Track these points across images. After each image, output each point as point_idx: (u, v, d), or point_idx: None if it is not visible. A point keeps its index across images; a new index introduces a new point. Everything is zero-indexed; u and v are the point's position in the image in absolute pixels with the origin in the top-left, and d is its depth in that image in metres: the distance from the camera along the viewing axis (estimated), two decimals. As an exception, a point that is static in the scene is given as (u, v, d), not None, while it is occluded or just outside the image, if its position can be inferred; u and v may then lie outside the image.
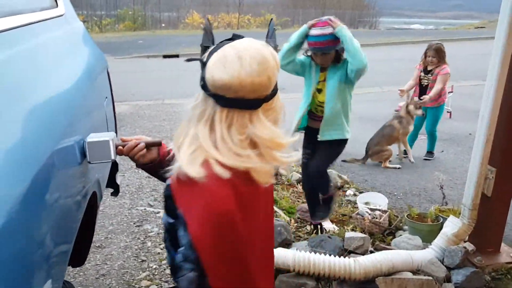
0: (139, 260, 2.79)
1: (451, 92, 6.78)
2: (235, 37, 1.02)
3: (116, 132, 2.19)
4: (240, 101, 0.98)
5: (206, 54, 1.02)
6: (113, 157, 1.26)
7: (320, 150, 2.90)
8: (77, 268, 2.64)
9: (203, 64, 1.01)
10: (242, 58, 0.96)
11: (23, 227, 0.85)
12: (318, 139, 2.84)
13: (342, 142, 2.91)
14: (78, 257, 1.60)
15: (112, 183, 2.18)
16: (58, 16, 1.65)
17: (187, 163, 0.98)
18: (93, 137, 1.26)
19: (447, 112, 6.73)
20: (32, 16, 1.33)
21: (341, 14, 38.19)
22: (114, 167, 2.16)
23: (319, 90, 2.87)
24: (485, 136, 2.44)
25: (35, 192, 0.92)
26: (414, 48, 16.59)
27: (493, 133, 2.42)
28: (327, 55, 2.75)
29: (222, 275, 1.02)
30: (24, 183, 0.86)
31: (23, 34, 1.20)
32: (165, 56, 13.99)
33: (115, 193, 2.24)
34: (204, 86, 1.01)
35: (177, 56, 13.96)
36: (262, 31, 27.54)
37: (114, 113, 2.18)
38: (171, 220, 1.02)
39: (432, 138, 4.76)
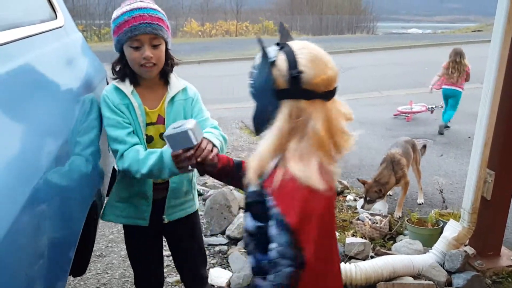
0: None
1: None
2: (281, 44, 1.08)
3: None
4: (329, 92, 1.06)
5: (275, 54, 1.05)
6: (194, 143, 1.33)
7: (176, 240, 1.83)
8: (78, 277, 2.63)
9: (270, 63, 1.03)
10: (327, 54, 1.07)
11: (24, 237, 0.86)
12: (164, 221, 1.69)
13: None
14: (79, 266, 1.60)
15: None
16: (57, 28, 1.67)
17: (306, 174, 1.01)
18: (170, 131, 1.33)
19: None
20: (31, 29, 1.35)
21: (339, 19, 38.46)
22: (114, 176, 2.17)
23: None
24: (484, 139, 2.45)
25: (35, 203, 0.93)
26: (412, 52, 16.73)
27: (491, 137, 2.43)
28: None
29: (319, 269, 1.07)
30: (25, 194, 0.87)
31: (23, 47, 1.22)
32: None
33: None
34: (287, 90, 1.03)
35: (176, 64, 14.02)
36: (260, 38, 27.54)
37: None
38: (260, 224, 1.09)
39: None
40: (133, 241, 1.76)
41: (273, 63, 1.03)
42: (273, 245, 1.05)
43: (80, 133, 1.35)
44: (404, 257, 2.55)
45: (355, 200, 3.78)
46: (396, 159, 3.41)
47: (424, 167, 4.09)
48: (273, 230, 1.05)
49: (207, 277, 1.93)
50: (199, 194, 3.96)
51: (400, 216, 3.39)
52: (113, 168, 2.19)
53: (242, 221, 3.03)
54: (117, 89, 1.53)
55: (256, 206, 1.10)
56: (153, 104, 1.58)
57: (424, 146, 4.14)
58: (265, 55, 1.05)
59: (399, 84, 10.01)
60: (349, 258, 2.63)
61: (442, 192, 3.27)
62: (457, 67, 5.87)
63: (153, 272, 1.83)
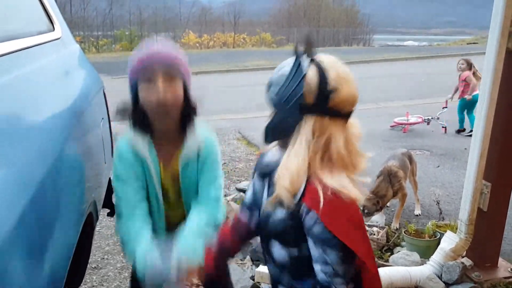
0: (136, 281, 2.76)
1: (445, 107, 6.85)
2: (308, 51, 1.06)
3: (112, 151, 2.20)
4: (351, 112, 1.08)
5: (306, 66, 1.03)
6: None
7: None
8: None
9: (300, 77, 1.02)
10: (351, 72, 1.07)
11: (19, 248, 0.85)
12: None
13: None
14: (74, 278, 1.59)
15: (108, 203, 2.18)
16: (55, 40, 1.68)
17: (345, 186, 1.02)
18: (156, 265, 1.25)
19: (442, 127, 6.78)
20: (29, 41, 1.35)
21: (335, 32, 38.81)
22: (110, 188, 2.16)
23: None
24: (480, 150, 2.46)
25: (30, 213, 0.92)
26: (408, 64, 16.86)
27: (487, 148, 2.44)
28: None
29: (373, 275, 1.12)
30: (20, 205, 0.87)
31: (20, 59, 1.23)
32: None
33: (111, 213, 2.24)
34: (314, 105, 1.02)
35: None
36: (257, 49, 27.90)
37: (111, 133, 2.20)
38: (295, 253, 1.11)
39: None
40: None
41: (304, 76, 1.02)
42: (318, 267, 1.05)
43: (76, 145, 1.35)
44: (401, 268, 2.54)
45: (352, 211, 3.77)
46: (393, 172, 3.41)
47: (421, 178, 4.10)
48: (317, 250, 1.04)
49: None
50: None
51: (398, 227, 3.38)
52: (109, 179, 2.18)
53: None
54: (131, 145, 1.41)
55: (288, 232, 1.09)
56: (169, 159, 1.47)
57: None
58: (298, 66, 1.03)
59: (396, 96, 10.08)
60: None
61: (439, 203, 3.28)
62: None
63: None
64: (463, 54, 19.16)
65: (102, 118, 1.91)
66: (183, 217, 1.50)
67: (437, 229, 3.01)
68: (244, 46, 30.64)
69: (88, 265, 2.42)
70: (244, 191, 4.13)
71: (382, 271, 2.47)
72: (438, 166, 5.02)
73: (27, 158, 0.97)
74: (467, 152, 2.60)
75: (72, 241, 1.22)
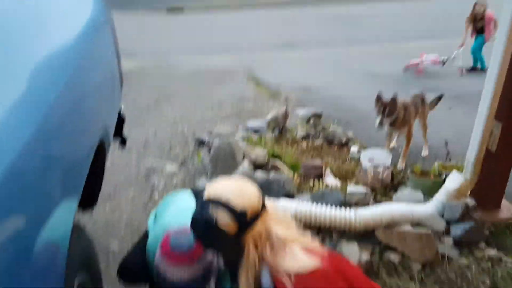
0: (147, 211, 2.87)
1: (462, 46, 6.69)
2: None
3: (121, 81, 2.19)
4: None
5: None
6: None
7: None
8: (87, 216, 2.73)
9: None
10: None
11: (35, 163, 0.88)
12: None
13: None
14: (89, 201, 1.66)
15: (120, 135, 2.22)
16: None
17: (299, 265, 1.24)
18: None
19: (458, 68, 6.66)
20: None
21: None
22: (121, 119, 2.19)
23: None
24: (493, 90, 2.42)
25: (45, 129, 0.94)
26: (429, 3, 16.08)
27: (501, 88, 2.39)
28: None
29: None
30: (35, 122, 0.89)
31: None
32: (169, 10, 13.65)
33: (123, 144, 2.29)
34: (241, 229, 1.24)
35: (181, 9, 13.61)
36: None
37: (119, 63, 2.18)
38: None
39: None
40: None
41: (215, 223, 1.20)
42: None
43: (87, 70, 1.35)
44: (403, 205, 2.58)
45: (358, 151, 3.79)
46: (405, 106, 3.41)
47: (432, 120, 4.07)
48: None
49: None
50: (204, 143, 4.00)
51: (403, 168, 3.41)
52: (120, 111, 2.20)
53: (245, 169, 3.08)
54: None
55: None
56: None
57: (439, 98, 4.08)
58: (211, 224, 1.21)
59: (414, 36, 9.75)
60: (350, 206, 2.68)
61: (447, 144, 3.27)
62: None
63: None
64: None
65: (111, 48, 1.89)
66: None
67: (443, 170, 3.02)
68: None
69: (101, 195, 2.51)
70: (252, 129, 4.16)
71: (384, 207, 2.53)
72: (450, 108, 4.95)
73: (40, 77, 0.98)
74: (481, 96, 2.55)
75: (86, 160, 1.26)
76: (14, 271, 0.77)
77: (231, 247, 1.25)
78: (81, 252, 1.29)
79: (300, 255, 1.26)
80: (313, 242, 1.35)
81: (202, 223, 1.23)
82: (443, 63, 6.84)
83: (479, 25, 6.76)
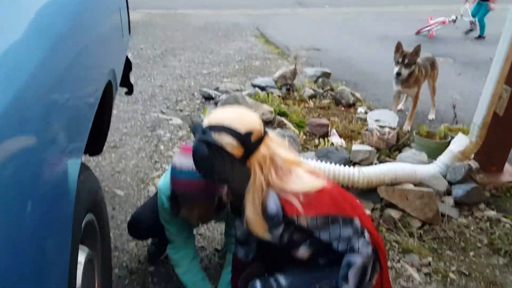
0: (152, 161, 2.91)
1: (467, 1, 6.63)
2: None
3: (129, 27, 2.16)
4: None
5: None
6: None
7: None
8: (94, 164, 2.77)
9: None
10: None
11: (42, 94, 0.89)
12: None
13: None
14: (96, 146, 1.67)
15: (126, 83, 2.22)
16: None
17: (305, 184, 1.28)
18: None
19: (470, 22, 6.63)
20: None
21: None
22: (128, 66, 2.18)
23: None
24: (505, 55, 2.38)
25: (51, 62, 0.94)
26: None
27: (513, 52, 2.35)
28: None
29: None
30: (41, 51, 0.89)
31: None
32: None
33: (129, 92, 2.28)
34: (247, 150, 1.22)
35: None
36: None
37: (128, 14, 2.14)
38: (308, 243, 1.35)
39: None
40: None
41: (220, 146, 1.18)
42: (334, 244, 1.29)
43: (95, 9, 1.33)
44: (407, 165, 2.60)
45: (365, 112, 3.78)
46: (418, 65, 3.40)
47: (441, 85, 4.02)
48: (323, 234, 1.28)
49: None
50: (210, 98, 3.99)
51: (409, 130, 3.41)
52: (127, 58, 2.19)
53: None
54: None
55: (295, 234, 1.32)
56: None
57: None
58: (216, 148, 1.18)
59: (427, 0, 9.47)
60: (354, 164, 2.70)
61: (455, 107, 3.25)
62: None
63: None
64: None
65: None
66: None
67: (449, 132, 3.02)
68: None
69: (107, 144, 2.53)
70: (259, 87, 4.13)
71: (388, 166, 2.55)
72: (460, 74, 4.89)
73: (49, 9, 0.97)
74: (491, 62, 2.51)
75: (94, 98, 1.26)
76: (24, 208, 0.78)
77: (237, 172, 1.22)
78: (88, 192, 1.31)
79: (306, 176, 1.28)
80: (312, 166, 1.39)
81: (205, 149, 1.19)
82: (454, 21, 6.75)
83: None
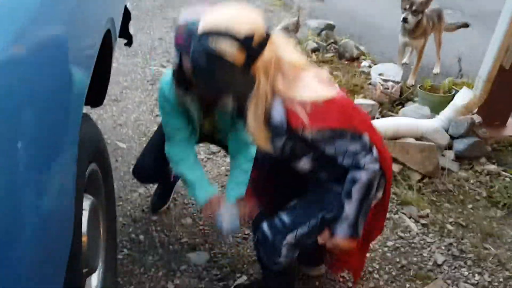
0: (154, 115, 2.90)
1: None
2: None
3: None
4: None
5: None
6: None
7: None
8: (96, 116, 2.77)
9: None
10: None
11: (43, 36, 0.87)
12: None
13: None
14: (96, 97, 1.66)
15: (126, 33, 2.16)
16: None
17: (314, 95, 1.18)
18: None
19: None
20: None
21: None
22: (127, 16, 2.12)
23: None
24: (513, 7, 2.30)
25: (52, 15, 0.92)
26: None
27: (524, 2, 2.28)
28: None
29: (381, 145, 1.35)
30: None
31: None
32: None
33: (129, 43, 2.24)
34: (249, 56, 1.11)
35: None
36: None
37: None
38: (312, 155, 1.29)
39: None
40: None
41: (218, 55, 1.07)
42: (339, 159, 1.22)
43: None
44: (409, 119, 2.59)
45: (369, 66, 3.72)
46: (426, 16, 3.31)
47: (447, 38, 3.93)
48: (328, 148, 1.21)
49: None
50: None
51: (413, 84, 3.36)
52: (126, 8, 2.12)
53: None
54: (175, 94, 1.56)
55: (297, 147, 1.24)
56: (207, 108, 1.63)
57: (465, 25, 3.88)
58: (213, 57, 1.08)
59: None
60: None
61: (460, 60, 3.20)
62: None
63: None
64: None
65: None
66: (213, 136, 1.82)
67: (453, 86, 2.99)
68: None
69: (108, 97, 2.51)
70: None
71: (390, 120, 2.54)
72: (468, 26, 4.76)
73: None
74: (500, 15, 2.43)
75: (92, 51, 1.24)
76: (29, 155, 0.78)
77: (240, 81, 1.12)
78: (91, 141, 1.31)
79: (314, 84, 1.18)
80: (323, 72, 1.25)
81: (203, 59, 1.09)
82: None
83: None
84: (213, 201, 1.63)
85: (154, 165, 1.85)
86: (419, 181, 2.36)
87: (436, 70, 3.68)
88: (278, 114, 1.15)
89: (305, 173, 1.33)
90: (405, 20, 3.21)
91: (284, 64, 1.14)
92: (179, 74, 1.47)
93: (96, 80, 1.37)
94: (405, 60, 3.77)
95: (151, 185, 2.19)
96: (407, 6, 3.19)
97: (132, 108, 2.96)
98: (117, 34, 1.72)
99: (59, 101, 0.96)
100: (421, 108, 2.79)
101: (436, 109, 2.81)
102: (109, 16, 1.45)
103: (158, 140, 1.84)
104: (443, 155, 2.50)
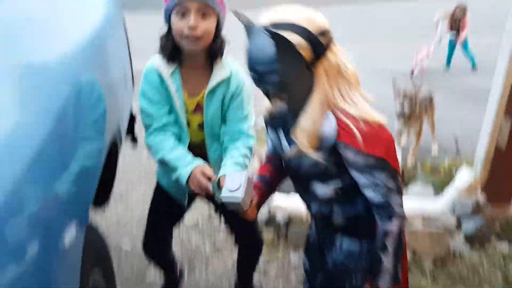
0: (158, 210, 2.89)
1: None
2: None
3: (132, 80, 2.22)
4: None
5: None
6: (244, 209, 1.24)
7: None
8: (99, 214, 2.76)
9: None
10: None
11: (48, 165, 0.90)
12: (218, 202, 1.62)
13: None
14: (101, 199, 1.68)
15: (131, 131, 2.25)
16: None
17: (367, 114, 1.08)
18: (225, 194, 1.21)
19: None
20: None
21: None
22: (132, 118, 2.22)
23: None
24: (502, 86, 2.41)
25: (60, 132, 0.97)
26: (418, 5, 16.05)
27: (509, 84, 2.38)
28: None
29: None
30: (49, 123, 0.91)
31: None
32: None
33: (134, 143, 2.32)
34: (316, 55, 1.05)
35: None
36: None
37: (131, 68, 2.21)
38: (339, 183, 1.17)
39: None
40: (161, 199, 1.75)
41: (289, 42, 1.00)
42: (370, 192, 1.12)
43: (97, 73, 1.37)
44: (413, 201, 2.58)
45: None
46: (419, 102, 3.47)
47: (440, 118, 4.06)
48: (365, 177, 1.11)
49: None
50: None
51: (413, 164, 3.40)
52: (131, 110, 2.23)
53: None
54: (158, 70, 1.44)
55: (328, 169, 1.14)
56: (194, 89, 1.49)
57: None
58: (280, 42, 1.00)
59: (426, 35, 9.71)
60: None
61: (457, 141, 3.26)
62: None
63: (168, 227, 1.84)
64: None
65: (123, 47, 1.92)
66: (201, 148, 1.55)
67: (453, 167, 3.02)
68: None
69: (113, 194, 2.54)
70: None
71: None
72: (459, 107, 4.94)
73: (46, 88, 0.99)
74: (489, 93, 2.55)
75: (98, 165, 1.28)
76: (37, 259, 0.79)
77: (302, 77, 1.05)
78: (95, 250, 1.31)
79: (365, 103, 1.11)
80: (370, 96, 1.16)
81: (270, 42, 1.00)
82: (439, 41, 7.04)
83: (455, 27, 7.07)
84: (199, 170, 1.40)
85: (159, 238, 1.82)
86: (431, 266, 2.30)
87: (434, 152, 3.74)
88: (330, 124, 1.08)
89: (319, 201, 1.23)
90: (399, 113, 3.37)
91: (342, 72, 1.08)
92: (166, 40, 1.42)
93: (101, 185, 1.40)
94: (403, 143, 3.86)
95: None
96: (400, 99, 3.37)
97: (137, 205, 2.96)
98: (123, 139, 1.79)
99: (64, 211, 0.98)
100: (424, 188, 2.80)
101: (439, 190, 2.82)
102: (116, 125, 1.52)
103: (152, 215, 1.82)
104: (452, 238, 2.45)
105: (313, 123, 1.08)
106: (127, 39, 2.15)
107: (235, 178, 1.22)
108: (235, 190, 1.20)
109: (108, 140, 1.43)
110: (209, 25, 1.37)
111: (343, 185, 1.18)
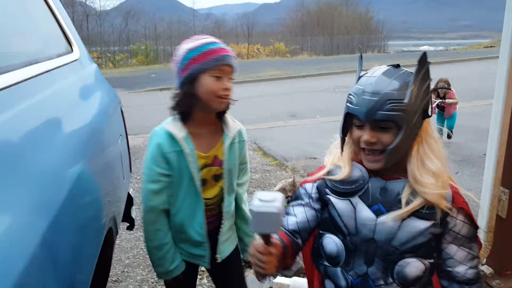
0: (156, 293, 2.80)
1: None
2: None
3: (130, 166, 2.25)
4: None
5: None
6: (276, 231, 0.95)
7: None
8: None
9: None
10: None
11: (44, 261, 0.89)
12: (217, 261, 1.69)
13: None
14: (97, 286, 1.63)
15: (128, 217, 2.24)
16: (73, 61, 1.74)
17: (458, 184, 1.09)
18: (258, 205, 0.92)
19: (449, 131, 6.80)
20: (49, 64, 1.42)
21: (350, 39, 38.75)
22: (129, 201, 2.22)
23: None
24: (496, 157, 2.44)
25: (53, 230, 0.97)
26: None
27: (503, 155, 2.42)
28: None
29: None
30: (43, 223, 0.91)
31: (42, 83, 1.28)
32: (162, 89, 14.29)
33: (131, 227, 2.29)
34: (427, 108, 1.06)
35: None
36: (271, 59, 28.03)
37: (128, 148, 2.26)
38: (428, 264, 1.06)
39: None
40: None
41: (429, 82, 1.04)
42: (464, 267, 1.05)
43: (95, 163, 1.40)
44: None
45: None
46: None
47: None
48: (463, 251, 1.04)
49: None
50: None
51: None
52: (128, 194, 2.24)
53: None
54: (170, 135, 1.46)
55: (430, 243, 1.05)
56: (208, 146, 1.54)
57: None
58: (423, 74, 1.03)
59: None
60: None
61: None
62: None
63: None
64: (480, 58, 18.90)
65: (120, 135, 1.97)
66: (218, 199, 1.64)
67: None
68: (258, 56, 30.79)
69: (109, 279, 2.47)
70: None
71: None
72: (457, 173, 4.96)
73: (50, 176, 1.01)
74: (485, 158, 2.57)
75: (93, 257, 1.26)
76: None
77: (417, 119, 1.02)
78: None
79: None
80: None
81: (409, 74, 1.05)
82: (438, 106, 7.06)
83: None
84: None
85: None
86: None
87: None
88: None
89: (404, 280, 1.06)
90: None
91: (433, 137, 1.08)
92: (183, 100, 1.46)
93: (96, 276, 1.37)
94: None
95: None
96: None
97: (133, 288, 2.87)
98: (119, 226, 1.77)
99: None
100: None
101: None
102: (111, 216, 1.52)
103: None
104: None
105: (442, 165, 1.03)
106: (124, 123, 2.21)
107: (268, 193, 0.96)
108: (270, 202, 0.93)
109: (104, 229, 1.42)
110: (232, 87, 1.51)
111: (431, 266, 1.06)
